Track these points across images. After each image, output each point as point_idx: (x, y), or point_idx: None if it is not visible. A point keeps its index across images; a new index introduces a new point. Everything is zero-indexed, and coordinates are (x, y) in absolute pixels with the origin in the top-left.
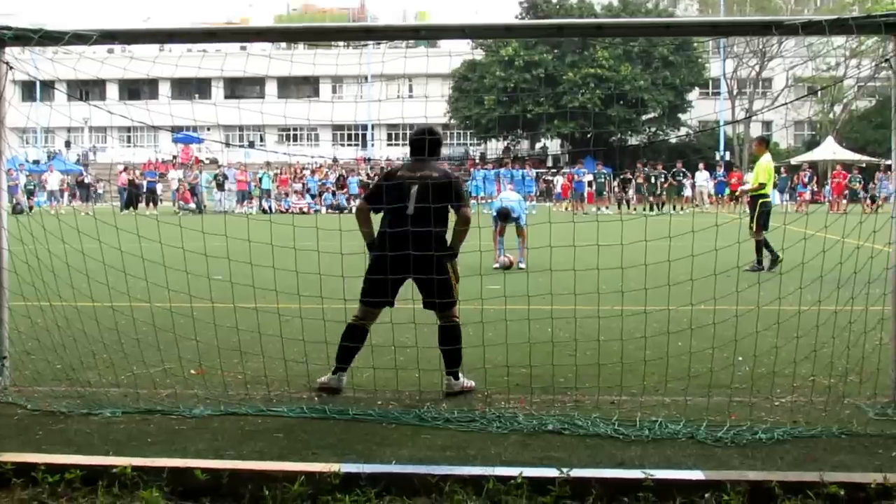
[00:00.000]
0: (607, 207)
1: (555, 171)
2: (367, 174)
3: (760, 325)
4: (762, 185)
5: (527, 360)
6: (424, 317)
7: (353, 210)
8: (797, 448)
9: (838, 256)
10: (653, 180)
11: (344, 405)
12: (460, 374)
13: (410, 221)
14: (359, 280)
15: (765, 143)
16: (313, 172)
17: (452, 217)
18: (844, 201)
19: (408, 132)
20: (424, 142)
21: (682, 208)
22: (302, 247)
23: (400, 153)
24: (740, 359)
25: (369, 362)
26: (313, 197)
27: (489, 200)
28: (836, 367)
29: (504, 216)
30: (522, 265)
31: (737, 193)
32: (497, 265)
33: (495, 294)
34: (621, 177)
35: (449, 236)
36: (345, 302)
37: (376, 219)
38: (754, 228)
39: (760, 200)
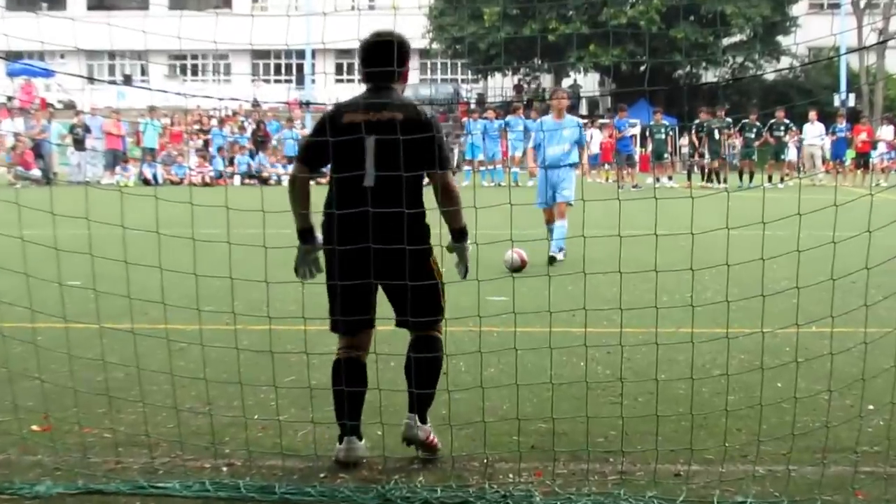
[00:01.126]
0: (671, 178)
1: (590, 121)
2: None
3: None
4: None
5: (546, 409)
6: (389, 344)
7: (286, 180)
8: None
9: None
10: (716, 135)
11: (268, 479)
12: (428, 418)
13: (370, 196)
14: (291, 288)
15: None
16: (222, 123)
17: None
18: None
19: None
20: (384, 55)
21: (782, 179)
22: (204, 236)
23: (354, 93)
24: (871, 408)
25: (307, 413)
26: (228, 163)
27: (493, 167)
28: None
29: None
30: (561, 256)
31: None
32: (509, 263)
33: (500, 309)
34: (697, 124)
35: (428, 218)
36: (269, 322)
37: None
38: None
39: None
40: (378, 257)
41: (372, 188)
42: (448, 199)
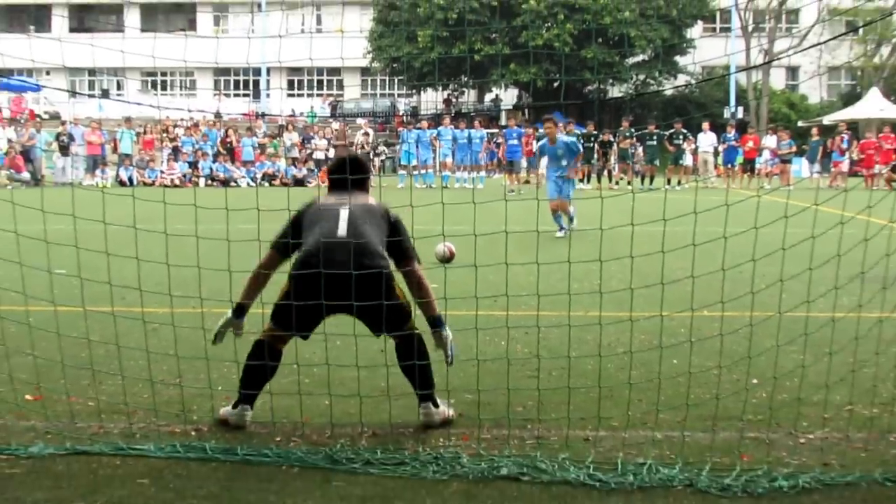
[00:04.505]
0: (582, 180)
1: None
2: (264, 134)
3: (782, 337)
4: None
5: (473, 382)
6: (335, 328)
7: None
8: (829, 499)
9: (885, 247)
10: (618, 144)
11: (231, 442)
12: (438, 400)
13: (341, 247)
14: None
15: None
16: (190, 131)
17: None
18: (886, 171)
19: (315, 78)
20: (352, 168)
21: (679, 182)
22: (175, 231)
23: (304, 106)
24: (755, 382)
25: (265, 385)
26: (193, 165)
27: (425, 170)
28: (881, 394)
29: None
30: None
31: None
32: (440, 255)
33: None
34: (600, 139)
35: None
36: (232, 305)
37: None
38: None
39: None
40: (350, 290)
41: (343, 239)
42: (420, 289)
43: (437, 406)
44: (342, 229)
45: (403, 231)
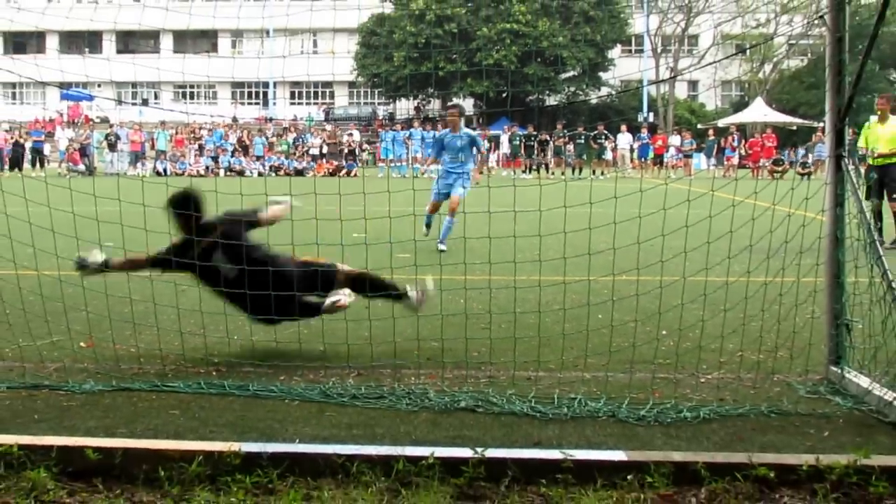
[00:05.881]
0: (524, 171)
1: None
2: (273, 134)
3: (686, 297)
4: None
5: (438, 333)
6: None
7: (257, 174)
8: (724, 427)
9: (768, 225)
10: (553, 142)
11: (244, 380)
12: (408, 288)
13: (236, 282)
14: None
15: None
16: (210, 132)
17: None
18: (768, 163)
19: (312, 90)
20: (189, 205)
21: (602, 173)
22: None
23: (304, 112)
24: (664, 333)
25: (271, 335)
26: (215, 160)
27: (399, 163)
28: (766, 342)
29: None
30: (443, 247)
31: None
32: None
33: (405, 263)
34: (539, 139)
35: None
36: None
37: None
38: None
39: None
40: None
41: (235, 278)
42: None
43: (409, 297)
44: (230, 268)
45: (240, 213)
